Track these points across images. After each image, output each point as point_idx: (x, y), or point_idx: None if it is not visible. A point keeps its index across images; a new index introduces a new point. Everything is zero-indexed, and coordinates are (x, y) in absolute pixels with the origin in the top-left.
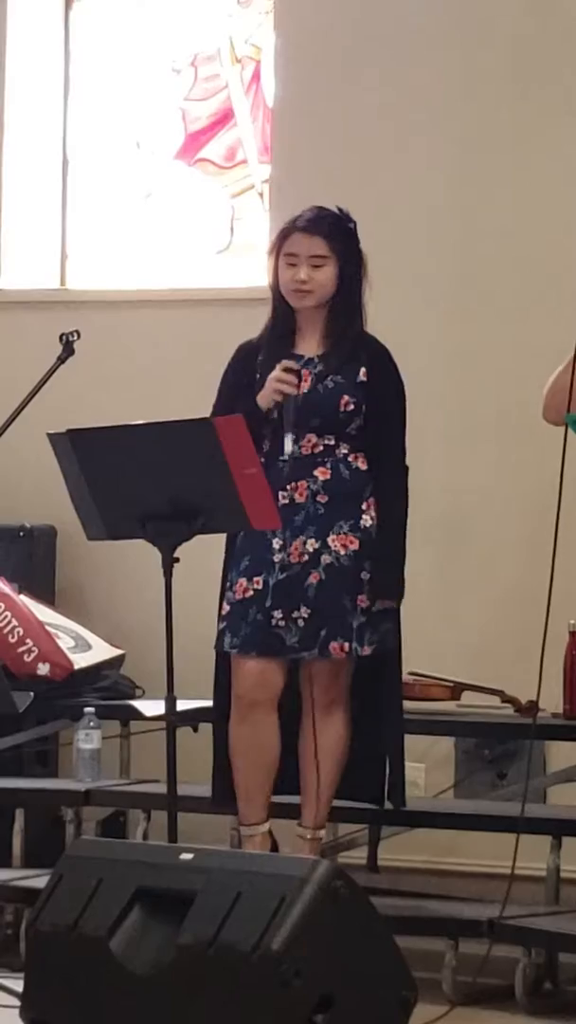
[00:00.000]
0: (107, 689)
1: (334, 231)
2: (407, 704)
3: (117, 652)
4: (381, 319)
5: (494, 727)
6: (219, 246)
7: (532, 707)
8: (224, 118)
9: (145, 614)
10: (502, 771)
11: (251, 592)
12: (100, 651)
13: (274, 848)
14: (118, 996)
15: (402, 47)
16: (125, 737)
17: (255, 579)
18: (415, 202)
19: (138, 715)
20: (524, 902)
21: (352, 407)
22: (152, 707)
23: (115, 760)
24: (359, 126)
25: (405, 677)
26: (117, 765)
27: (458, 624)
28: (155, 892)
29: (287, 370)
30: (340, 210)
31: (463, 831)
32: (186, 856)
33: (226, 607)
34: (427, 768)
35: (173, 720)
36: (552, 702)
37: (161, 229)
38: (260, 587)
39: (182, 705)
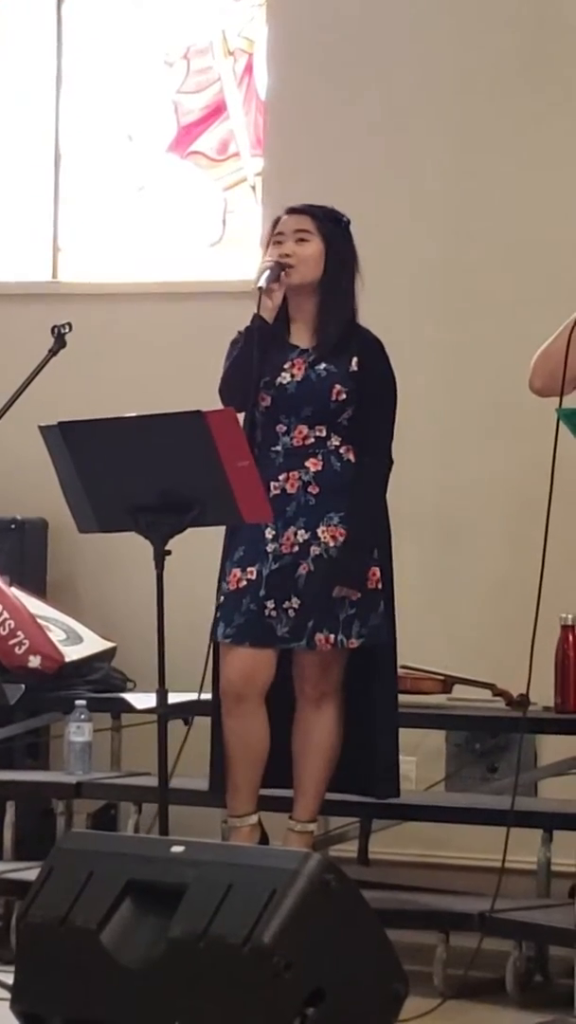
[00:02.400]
0: (98, 682)
1: (323, 215)
2: (399, 698)
3: (108, 645)
4: (373, 314)
5: (485, 720)
6: (212, 239)
7: (523, 700)
8: (216, 111)
9: (137, 607)
10: (493, 764)
11: (245, 582)
12: (91, 644)
13: (263, 840)
14: (109, 988)
15: (396, 40)
16: (116, 730)
17: (249, 569)
18: (409, 195)
19: (129, 708)
20: (515, 895)
21: (344, 396)
22: (143, 700)
23: (106, 753)
24: (352, 119)
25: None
26: (108, 758)
27: (449, 617)
28: (146, 885)
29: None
30: (335, 208)
31: (454, 824)
32: (177, 849)
33: (221, 597)
34: (418, 761)
35: (164, 713)
36: (543, 696)
37: (153, 222)
38: (254, 577)
39: (173, 698)
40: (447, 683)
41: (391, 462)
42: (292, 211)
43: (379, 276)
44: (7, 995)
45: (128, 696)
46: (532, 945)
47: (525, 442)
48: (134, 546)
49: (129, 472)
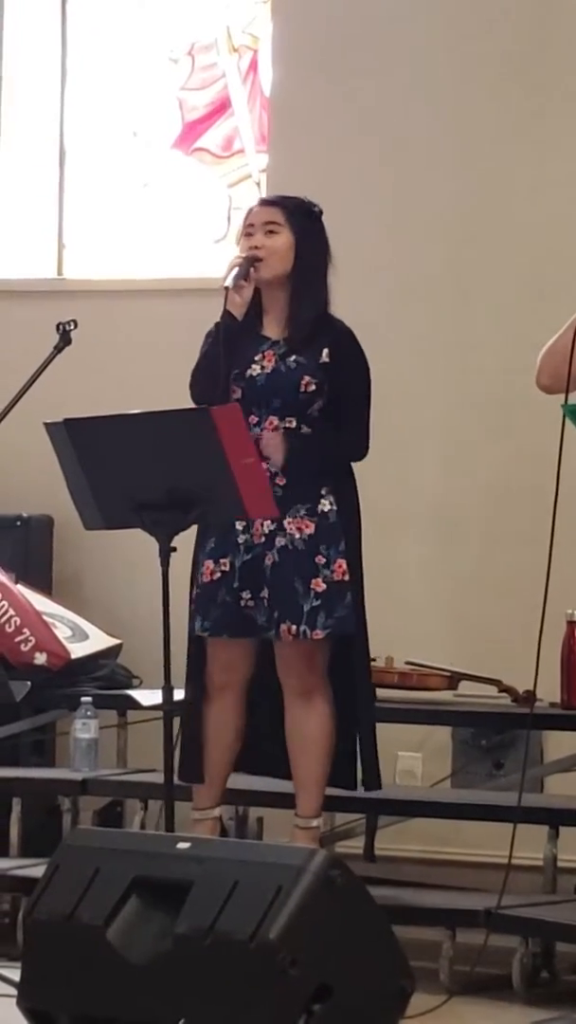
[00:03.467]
0: (104, 679)
1: (293, 207)
2: (405, 694)
3: (114, 642)
4: (376, 310)
5: (491, 717)
6: (216, 235)
7: (529, 697)
8: (221, 107)
9: (142, 603)
10: (499, 761)
11: (219, 574)
12: (97, 641)
13: (222, 835)
14: (115, 985)
15: (400, 36)
16: (122, 726)
17: (222, 561)
18: (412, 191)
19: (135, 704)
20: (521, 892)
21: (313, 388)
22: (149, 696)
23: (112, 749)
24: (355, 115)
25: (403, 667)
26: (114, 754)
27: (455, 613)
28: (152, 881)
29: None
30: (307, 198)
31: (460, 821)
32: (183, 845)
33: (195, 590)
34: (424, 757)
35: (170, 710)
36: (549, 692)
37: (158, 219)
38: (227, 569)
39: (179, 695)
40: (453, 679)
41: (366, 450)
42: (263, 203)
43: (381, 271)
44: (14, 992)
45: (134, 693)
46: (538, 941)
47: (531, 438)
48: (140, 543)
49: (134, 469)
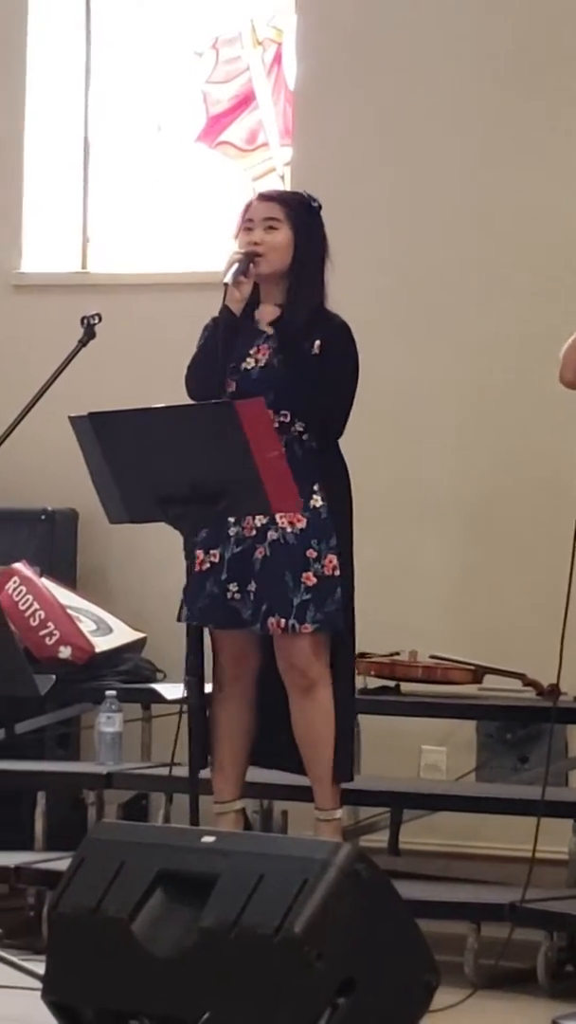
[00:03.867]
0: (128, 672)
1: (292, 202)
2: (429, 688)
3: (138, 635)
4: (394, 303)
5: (516, 710)
6: None
7: (554, 690)
8: (245, 101)
9: (166, 597)
10: (524, 754)
11: (208, 564)
12: (121, 634)
13: (246, 828)
14: (140, 978)
15: (424, 29)
16: (146, 720)
17: (212, 552)
18: (437, 185)
19: (159, 698)
20: (546, 885)
21: None
22: (173, 690)
23: (136, 743)
24: (380, 108)
25: (427, 661)
26: (138, 748)
27: (479, 607)
28: (177, 875)
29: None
30: (306, 193)
31: (485, 815)
32: (208, 839)
33: (187, 579)
34: (448, 752)
35: (194, 703)
36: (574, 685)
37: (183, 212)
38: (216, 560)
39: (207, 688)
40: (477, 673)
41: (338, 433)
42: (262, 198)
43: (402, 264)
44: (39, 985)
45: (158, 686)
46: (563, 935)
47: (552, 430)
48: (164, 537)
49: (159, 463)
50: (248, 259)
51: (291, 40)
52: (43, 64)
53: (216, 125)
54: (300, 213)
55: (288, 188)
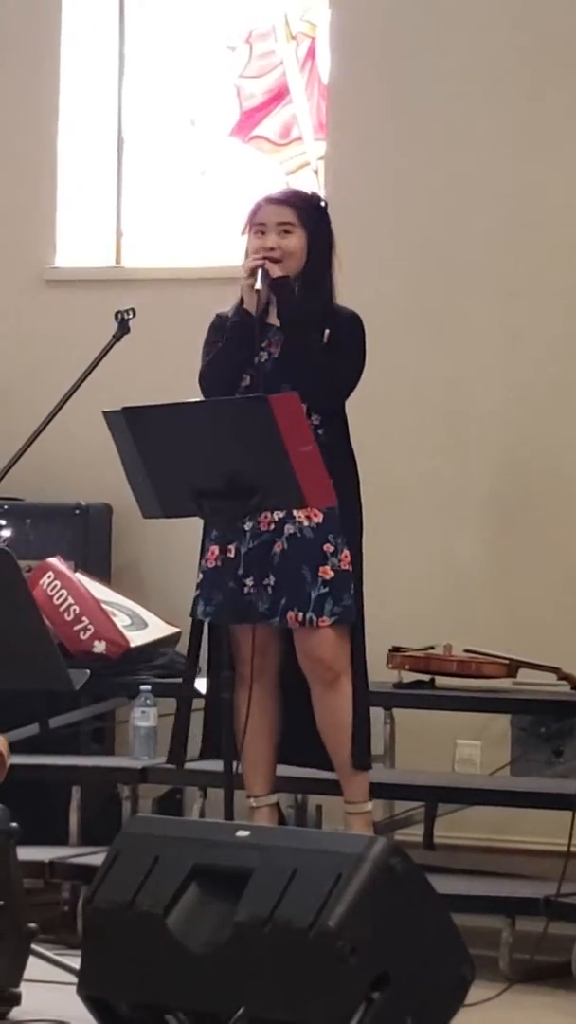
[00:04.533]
0: (163, 667)
1: (303, 203)
2: (463, 682)
3: (173, 630)
4: (431, 293)
5: (550, 704)
6: None
7: None
8: (279, 95)
9: None
10: (558, 748)
11: (223, 560)
12: (156, 629)
13: (281, 822)
14: (174, 973)
15: (458, 23)
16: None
17: (228, 547)
18: (472, 176)
19: (194, 693)
20: None
21: None
22: (201, 684)
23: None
24: (414, 102)
25: (461, 655)
26: None
27: (514, 601)
28: (212, 869)
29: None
30: (312, 191)
31: (519, 809)
32: (242, 833)
33: (200, 575)
34: (483, 746)
35: (229, 697)
36: None
37: (216, 207)
38: (232, 555)
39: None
40: (512, 667)
41: (335, 405)
42: (273, 201)
43: (442, 255)
44: (74, 980)
45: None
46: None
47: None
48: (198, 531)
49: (192, 457)
50: (266, 267)
51: (324, 34)
52: (77, 59)
53: (249, 119)
54: (311, 215)
55: (306, 185)
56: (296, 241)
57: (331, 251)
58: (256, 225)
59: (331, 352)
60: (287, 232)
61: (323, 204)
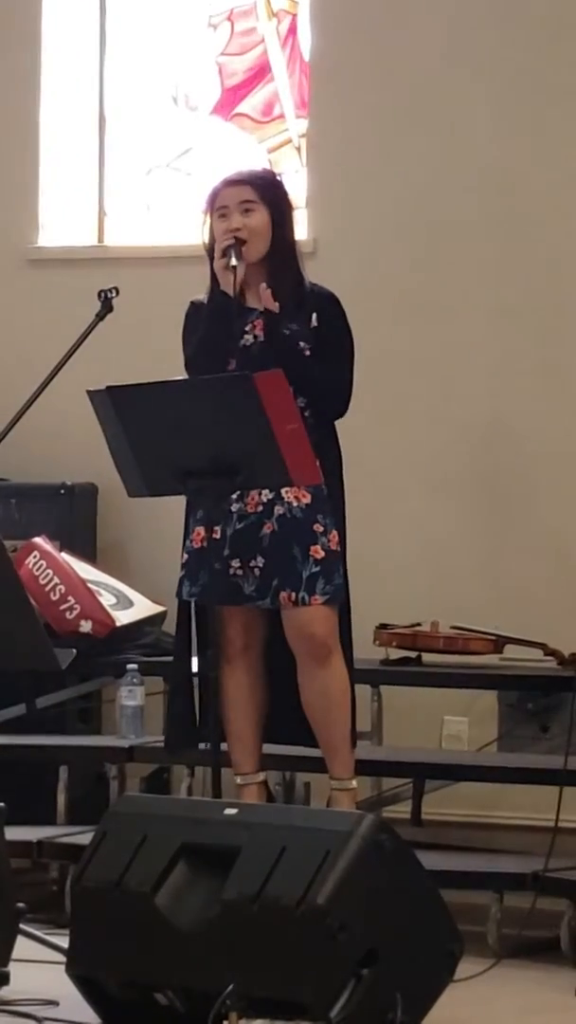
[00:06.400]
0: (149, 646)
1: (261, 181)
2: (450, 658)
3: (159, 609)
4: (414, 271)
5: (537, 680)
6: None
7: (575, 660)
8: (260, 73)
9: None
10: (545, 724)
11: (209, 541)
12: (142, 608)
13: (269, 800)
14: (163, 951)
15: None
16: (168, 693)
17: (213, 529)
18: (453, 155)
19: (188, 673)
20: (568, 854)
21: (309, 353)
22: (194, 663)
23: (158, 716)
24: (396, 79)
25: (448, 631)
26: (160, 721)
27: (500, 578)
28: (200, 847)
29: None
30: (265, 168)
31: (507, 784)
32: (230, 811)
33: (185, 556)
34: (470, 722)
35: (215, 675)
36: None
37: (199, 185)
38: (217, 536)
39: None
40: (498, 643)
41: (346, 403)
42: (230, 183)
43: (428, 232)
44: (63, 959)
45: None
46: None
47: (571, 402)
48: (183, 510)
49: (178, 436)
50: (239, 245)
51: (306, 11)
52: (58, 37)
53: (231, 97)
54: (271, 191)
55: (274, 162)
56: (260, 218)
57: (292, 221)
58: (218, 209)
59: (322, 338)
60: (249, 211)
61: (279, 178)
